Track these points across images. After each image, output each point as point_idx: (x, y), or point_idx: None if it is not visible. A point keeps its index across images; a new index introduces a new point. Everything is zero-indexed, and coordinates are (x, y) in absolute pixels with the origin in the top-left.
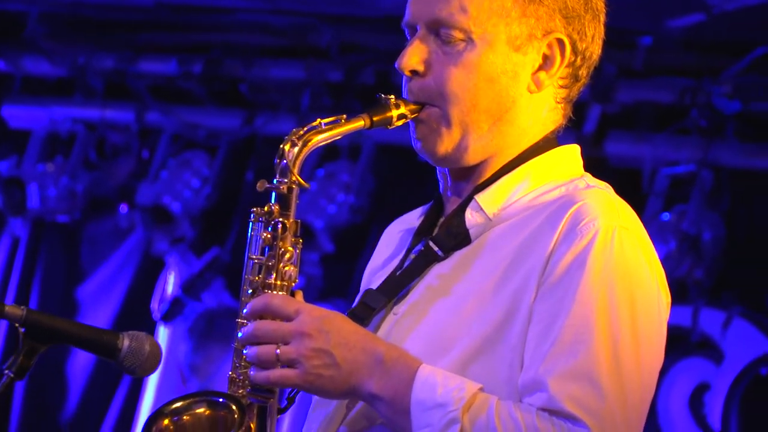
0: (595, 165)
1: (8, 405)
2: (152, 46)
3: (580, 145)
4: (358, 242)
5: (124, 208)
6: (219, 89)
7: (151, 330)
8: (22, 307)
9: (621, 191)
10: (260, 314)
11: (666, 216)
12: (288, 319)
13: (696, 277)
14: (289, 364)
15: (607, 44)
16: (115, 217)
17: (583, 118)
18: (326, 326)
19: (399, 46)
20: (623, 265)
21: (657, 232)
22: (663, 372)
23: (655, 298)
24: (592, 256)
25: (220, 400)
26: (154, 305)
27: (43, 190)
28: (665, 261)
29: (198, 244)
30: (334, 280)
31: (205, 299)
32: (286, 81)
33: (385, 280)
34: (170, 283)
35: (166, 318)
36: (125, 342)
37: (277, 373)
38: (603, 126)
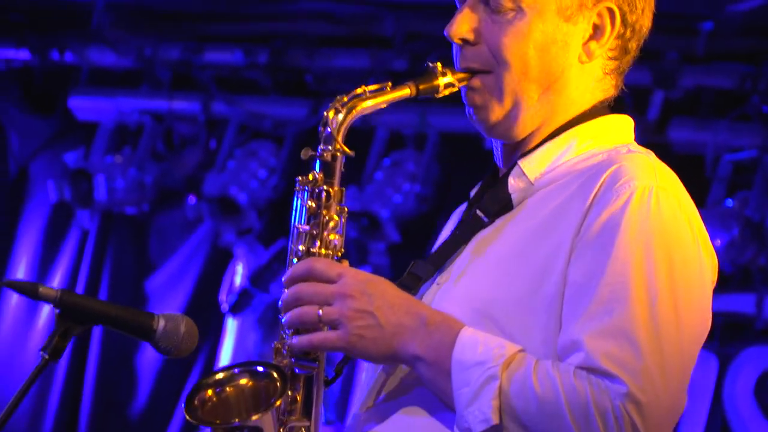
0: (658, 151)
1: (78, 399)
2: (218, 36)
3: (644, 131)
4: (424, 231)
5: (192, 199)
6: (284, 79)
7: (220, 321)
8: (57, 288)
9: (684, 177)
10: (303, 278)
11: (729, 202)
12: (331, 281)
13: (760, 264)
14: (332, 325)
15: (669, 30)
16: (184, 208)
17: (647, 105)
18: (370, 288)
19: None
20: (660, 224)
21: (720, 219)
22: (728, 360)
23: (695, 258)
24: (628, 214)
25: (261, 369)
26: (223, 297)
27: (111, 182)
28: (729, 248)
29: (265, 235)
30: (400, 269)
31: (273, 290)
32: (350, 70)
33: (435, 250)
34: (238, 275)
35: (235, 309)
36: (161, 323)
37: (320, 335)
38: (666, 112)
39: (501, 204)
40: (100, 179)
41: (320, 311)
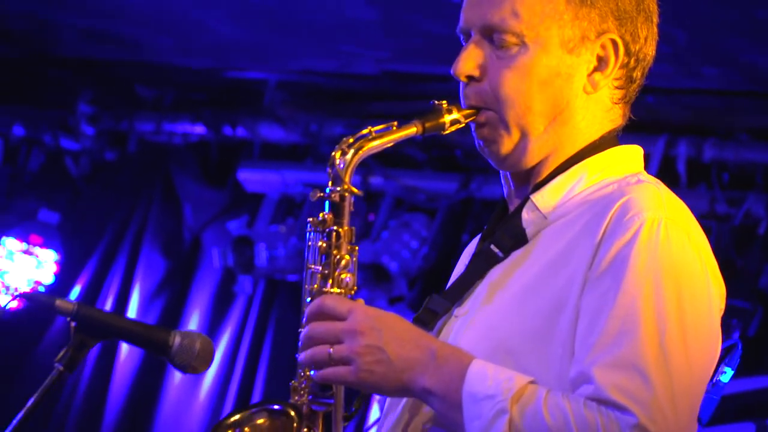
0: None
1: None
2: (379, 114)
3: None
4: None
5: None
6: (438, 155)
7: None
8: (74, 301)
9: None
10: (316, 317)
11: None
12: (342, 318)
13: None
14: (343, 362)
15: None
16: None
17: None
18: (379, 324)
19: None
20: (669, 256)
21: None
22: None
23: (704, 289)
24: (637, 247)
25: (278, 407)
26: None
27: (272, 250)
28: None
29: (416, 303)
30: None
31: None
32: None
33: (451, 285)
34: None
35: None
36: (176, 339)
37: (330, 370)
38: None
39: (515, 238)
40: (261, 247)
41: (331, 349)
